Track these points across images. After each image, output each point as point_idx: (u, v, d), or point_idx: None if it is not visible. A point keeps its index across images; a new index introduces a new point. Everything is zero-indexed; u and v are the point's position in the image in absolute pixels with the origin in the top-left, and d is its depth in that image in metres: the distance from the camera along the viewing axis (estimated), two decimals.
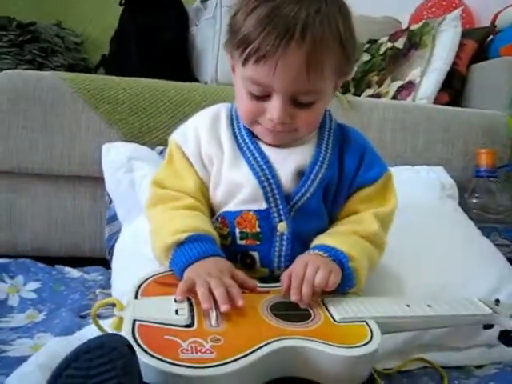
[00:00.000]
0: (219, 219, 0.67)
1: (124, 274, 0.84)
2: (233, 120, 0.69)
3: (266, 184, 0.64)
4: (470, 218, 1.14)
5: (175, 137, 0.70)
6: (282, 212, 0.64)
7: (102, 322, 0.53)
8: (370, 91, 1.63)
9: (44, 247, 1.14)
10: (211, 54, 1.37)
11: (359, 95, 1.65)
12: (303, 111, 0.62)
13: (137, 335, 0.45)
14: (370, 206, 0.69)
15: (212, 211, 0.69)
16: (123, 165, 0.94)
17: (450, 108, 1.35)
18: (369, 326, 0.54)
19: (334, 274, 0.58)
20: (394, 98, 1.50)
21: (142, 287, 0.55)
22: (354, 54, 0.64)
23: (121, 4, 1.42)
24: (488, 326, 0.66)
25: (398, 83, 1.52)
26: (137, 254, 0.79)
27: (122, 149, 0.98)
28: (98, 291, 0.89)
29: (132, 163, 0.94)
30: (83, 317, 0.79)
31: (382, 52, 1.70)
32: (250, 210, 0.64)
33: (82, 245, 1.15)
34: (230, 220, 0.66)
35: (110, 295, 0.86)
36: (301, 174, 0.65)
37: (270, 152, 0.66)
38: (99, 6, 1.70)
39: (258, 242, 0.65)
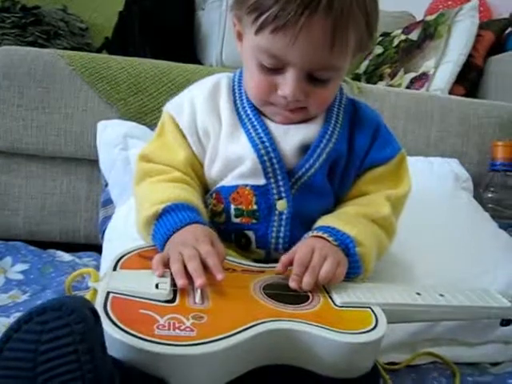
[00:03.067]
0: (213, 195, 0.62)
1: (112, 256, 0.79)
2: (235, 90, 0.63)
3: (265, 158, 0.58)
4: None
5: (169, 107, 0.65)
6: (282, 189, 0.58)
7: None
8: (381, 84, 1.57)
9: (37, 231, 1.09)
10: (217, 35, 1.33)
11: None
12: (318, 88, 0.56)
13: (108, 307, 0.40)
14: (381, 187, 0.63)
15: (206, 189, 0.64)
16: (119, 142, 0.89)
17: (466, 99, 1.29)
18: (374, 313, 0.48)
19: (342, 266, 0.52)
20: (407, 89, 1.44)
21: (123, 260, 0.51)
22: (376, 28, 0.57)
23: None
24: (506, 323, 0.60)
25: (411, 75, 1.46)
26: (126, 235, 0.74)
27: (118, 126, 0.93)
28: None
29: (128, 140, 0.89)
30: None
31: (395, 44, 1.65)
32: (246, 185, 0.59)
33: (76, 230, 1.11)
34: (225, 196, 0.60)
35: None
36: (306, 149, 0.59)
37: (273, 125, 0.60)
38: None
39: (254, 221, 0.60)
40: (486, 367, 0.63)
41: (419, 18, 1.94)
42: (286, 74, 0.54)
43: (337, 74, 0.56)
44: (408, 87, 1.45)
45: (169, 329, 0.39)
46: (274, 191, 0.59)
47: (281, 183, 0.58)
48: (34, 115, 1.04)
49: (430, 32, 1.52)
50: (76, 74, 1.05)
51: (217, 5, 1.34)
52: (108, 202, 0.96)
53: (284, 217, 0.59)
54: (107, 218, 0.94)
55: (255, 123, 0.60)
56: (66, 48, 1.39)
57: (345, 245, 0.54)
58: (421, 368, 0.61)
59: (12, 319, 0.67)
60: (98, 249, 1.00)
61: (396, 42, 1.65)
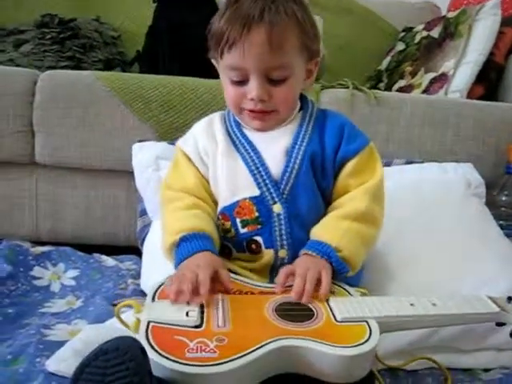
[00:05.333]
0: (220, 216, 0.73)
1: (152, 268, 0.91)
2: (225, 119, 0.77)
3: (256, 172, 0.71)
4: (499, 216, 1.14)
5: (178, 143, 0.79)
6: (274, 195, 0.70)
7: (130, 312, 0.58)
8: (402, 82, 1.60)
9: (83, 236, 1.23)
10: None
11: (391, 86, 1.64)
12: (278, 88, 0.69)
13: (149, 335, 0.50)
14: (361, 179, 0.72)
15: (216, 203, 0.75)
16: (151, 164, 1.00)
17: (482, 102, 1.31)
18: (369, 326, 0.56)
19: (324, 269, 0.63)
20: (427, 90, 1.47)
21: (159, 290, 0.60)
22: (316, 33, 0.72)
23: (154, 1, 1.46)
24: (501, 323, 0.66)
25: (431, 75, 1.49)
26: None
27: (150, 148, 1.04)
28: (129, 281, 0.96)
29: (159, 162, 0.99)
30: (115, 305, 0.86)
31: (416, 41, 1.67)
32: (246, 198, 0.71)
33: (117, 234, 1.23)
34: (230, 213, 0.72)
35: (139, 285, 0.94)
36: (286, 155, 0.71)
37: (258, 139, 0.73)
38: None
39: (259, 226, 0.71)
40: (478, 373, 0.71)
41: (444, 8, 1.94)
42: (250, 82, 0.68)
43: (289, 72, 0.69)
44: (427, 87, 1.48)
45: (197, 351, 0.49)
46: (269, 198, 0.70)
47: (272, 190, 0.70)
48: (77, 133, 1.15)
49: (450, 31, 1.53)
50: (112, 94, 1.15)
51: None
52: (145, 211, 1.08)
53: (282, 217, 0.70)
54: (145, 227, 1.06)
55: (245, 143, 0.73)
56: (100, 60, 1.50)
57: (326, 254, 0.65)
58: (417, 373, 0.70)
59: (73, 326, 0.79)
60: (136, 251, 1.12)
61: (418, 38, 1.67)
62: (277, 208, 0.70)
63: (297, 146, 0.71)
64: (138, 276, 0.98)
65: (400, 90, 1.57)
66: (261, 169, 0.71)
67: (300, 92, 0.74)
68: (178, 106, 1.16)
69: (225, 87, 0.73)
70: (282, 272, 0.64)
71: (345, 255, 0.66)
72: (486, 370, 0.72)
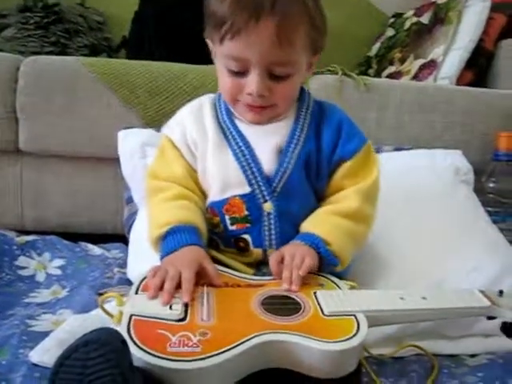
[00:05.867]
0: (208, 210, 0.71)
1: (138, 257, 0.90)
2: (216, 108, 0.72)
3: (247, 168, 0.67)
4: (486, 202, 1.14)
5: (164, 130, 0.75)
6: (265, 193, 0.67)
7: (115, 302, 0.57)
8: (392, 68, 1.60)
9: (68, 224, 1.21)
10: None
11: (381, 72, 1.63)
12: (280, 84, 0.65)
13: (131, 329, 0.49)
14: (355, 180, 0.71)
15: (205, 194, 0.72)
16: (137, 151, 0.98)
17: (471, 89, 1.31)
18: (357, 320, 0.55)
19: (308, 256, 0.62)
20: (416, 76, 1.47)
21: (143, 283, 0.58)
22: (325, 29, 0.67)
23: None
24: (492, 317, 0.66)
25: (421, 61, 1.48)
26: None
27: (136, 135, 1.02)
28: (115, 270, 0.95)
29: (145, 149, 0.98)
30: (100, 294, 0.85)
31: (406, 27, 1.66)
32: (235, 196, 0.68)
33: (104, 222, 1.22)
34: (219, 209, 0.69)
35: (125, 274, 0.93)
36: (280, 153, 0.68)
37: (250, 133, 0.69)
38: None
39: (248, 225, 0.68)
40: (464, 359, 0.72)
41: None
42: (250, 74, 0.63)
43: (293, 69, 0.65)
44: (417, 74, 1.48)
45: (179, 346, 0.47)
46: (259, 196, 0.67)
47: (263, 188, 0.67)
48: (61, 120, 1.13)
49: (440, 16, 1.52)
50: (97, 80, 1.13)
51: None
52: (131, 199, 1.06)
53: (272, 216, 0.68)
54: (132, 215, 1.05)
55: (236, 137, 0.69)
56: (85, 45, 1.47)
57: (315, 245, 0.64)
58: (404, 360, 0.70)
59: (58, 316, 0.77)
60: (123, 239, 1.11)
61: (407, 24, 1.66)
62: (267, 207, 0.67)
63: (292, 146, 0.68)
64: (124, 265, 0.97)
65: (389, 76, 1.56)
66: (252, 165, 0.67)
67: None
68: (164, 92, 1.14)
69: (220, 75, 0.68)
70: (274, 261, 0.62)
71: (334, 249, 0.64)
72: (472, 356, 0.73)
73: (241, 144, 0.68)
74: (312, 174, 0.70)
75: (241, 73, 0.64)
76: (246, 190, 0.67)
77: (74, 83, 1.12)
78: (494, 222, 1.03)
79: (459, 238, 0.89)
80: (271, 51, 0.61)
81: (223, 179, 0.68)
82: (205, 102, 0.74)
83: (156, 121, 1.13)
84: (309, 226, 0.67)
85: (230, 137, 0.69)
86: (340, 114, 0.73)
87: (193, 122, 0.71)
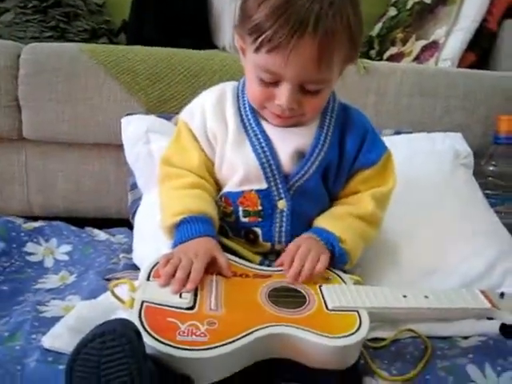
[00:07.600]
0: (223, 198, 0.72)
1: (143, 242, 0.92)
2: (238, 98, 0.72)
3: (266, 165, 0.68)
4: (485, 185, 1.15)
5: (182, 114, 0.75)
6: (281, 191, 0.69)
7: (124, 287, 0.58)
8: (393, 49, 1.59)
9: (74, 209, 1.23)
10: (228, 17, 1.36)
11: (383, 53, 1.62)
12: (310, 98, 0.65)
13: (143, 316, 0.51)
14: (370, 185, 0.73)
15: (218, 185, 0.74)
16: (141, 137, 0.99)
17: (472, 71, 1.31)
18: (359, 316, 0.57)
19: (324, 254, 0.64)
20: (417, 58, 1.46)
21: (155, 269, 0.60)
22: (361, 43, 0.66)
23: None
24: (491, 317, 0.69)
25: (422, 42, 1.47)
26: (154, 223, 0.86)
27: (139, 121, 1.02)
28: (121, 256, 0.97)
29: (149, 135, 0.98)
30: (108, 279, 0.88)
31: (409, 7, 1.63)
32: (251, 190, 0.69)
33: (108, 207, 1.24)
34: (233, 200, 0.71)
35: (131, 259, 0.95)
36: (301, 155, 0.69)
37: (273, 132, 0.69)
38: None
39: (260, 219, 0.70)
40: (457, 341, 0.74)
41: None
42: (281, 86, 0.63)
43: (326, 85, 0.65)
44: (418, 55, 1.47)
45: (187, 335, 0.49)
46: (275, 193, 0.69)
47: (280, 186, 0.69)
48: (63, 107, 1.14)
49: None
50: (98, 66, 1.13)
51: None
52: (135, 185, 1.08)
53: (285, 214, 0.70)
54: (136, 201, 1.07)
55: (257, 131, 0.69)
56: (86, 30, 1.46)
57: (330, 243, 0.67)
58: (400, 342, 0.72)
59: (67, 302, 0.80)
60: (128, 223, 1.13)
61: (410, 3, 1.64)
62: (281, 204, 0.69)
63: (315, 152, 0.69)
64: (129, 250, 0.99)
65: (391, 57, 1.55)
66: (272, 162, 0.68)
67: None
68: (165, 78, 1.14)
69: (249, 81, 0.67)
70: (289, 256, 0.64)
71: (346, 247, 0.67)
72: (465, 338, 0.75)
73: (262, 140, 0.69)
74: (330, 178, 0.72)
75: (272, 83, 0.63)
76: (263, 185, 0.69)
77: (74, 70, 1.12)
78: (493, 204, 1.05)
79: (457, 222, 0.91)
80: (308, 70, 0.60)
81: (241, 173, 0.69)
82: (227, 91, 0.73)
83: (158, 107, 1.14)
84: (325, 222, 0.69)
85: (250, 131, 0.69)
86: (364, 123, 0.74)
87: (213, 111, 0.71)
